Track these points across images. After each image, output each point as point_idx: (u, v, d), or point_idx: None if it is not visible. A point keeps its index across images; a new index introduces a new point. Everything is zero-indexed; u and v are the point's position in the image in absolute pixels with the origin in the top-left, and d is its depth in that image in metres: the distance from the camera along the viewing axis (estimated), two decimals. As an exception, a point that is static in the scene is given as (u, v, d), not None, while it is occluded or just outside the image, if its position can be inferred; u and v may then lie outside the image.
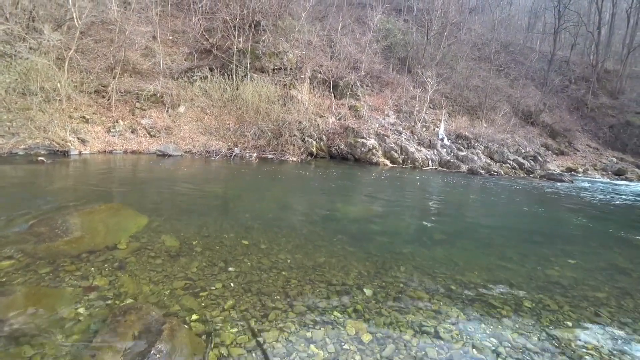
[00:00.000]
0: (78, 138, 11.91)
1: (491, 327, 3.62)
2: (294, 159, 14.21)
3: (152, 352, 2.67)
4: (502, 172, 15.83)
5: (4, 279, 3.68)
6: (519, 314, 3.92)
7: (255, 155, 13.89)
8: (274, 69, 17.30)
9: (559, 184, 14.76)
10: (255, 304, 3.67)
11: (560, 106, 27.60)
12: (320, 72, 18.26)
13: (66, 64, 13.13)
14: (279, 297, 3.84)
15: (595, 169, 21.14)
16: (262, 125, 14.67)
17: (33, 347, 2.80)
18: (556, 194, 12.19)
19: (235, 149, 14.00)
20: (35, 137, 11.05)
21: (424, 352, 3.15)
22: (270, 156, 14.22)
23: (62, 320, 3.14)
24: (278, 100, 15.64)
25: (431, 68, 21.43)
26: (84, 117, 12.73)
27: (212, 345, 3.03)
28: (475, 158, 16.62)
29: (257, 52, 17.08)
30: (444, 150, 16.96)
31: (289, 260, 4.77)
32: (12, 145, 10.65)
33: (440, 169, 15.83)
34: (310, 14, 20.12)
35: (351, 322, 3.48)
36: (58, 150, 11.15)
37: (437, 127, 18.56)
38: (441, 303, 4.00)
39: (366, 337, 3.27)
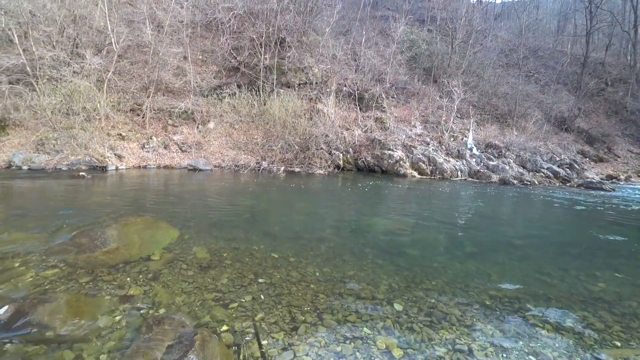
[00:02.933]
0: (115, 154, 12.51)
1: (529, 345, 3.39)
2: (321, 172, 14.24)
3: None
4: (536, 182, 15.11)
5: (47, 287, 3.84)
6: (560, 332, 3.65)
7: (282, 168, 14.05)
8: (299, 84, 17.60)
9: (599, 192, 13.90)
10: (284, 316, 3.64)
11: (596, 110, 26.34)
12: (345, 85, 18.41)
13: (105, 85, 13.94)
14: (308, 310, 3.79)
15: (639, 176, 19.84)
16: (289, 139, 14.87)
17: (73, 352, 2.90)
18: (596, 204, 11.46)
19: (263, 162, 14.23)
20: (77, 153, 11.72)
21: (457, 370, 3.02)
22: (297, 169, 14.33)
23: (100, 327, 3.23)
24: (304, 114, 15.84)
25: (457, 77, 21.13)
26: (120, 135, 13.40)
27: (242, 356, 3.02)
28: (507, 167, 16.01)
29: (283, 67, 17.47)
30: (474, 160, 16.47)
31: (317, 274, 4.72)
32: (57, 162, 11.34)
33: (470, 179, 15.35)
34: (334, 28, 20.45)
35: (381, 337, 3.38)
36: (97, 166, 11.75)
37: (466, 136, 18.13)
38: (475, 319, 3.80)
39: (397, 353, 3.16)
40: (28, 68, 12.96)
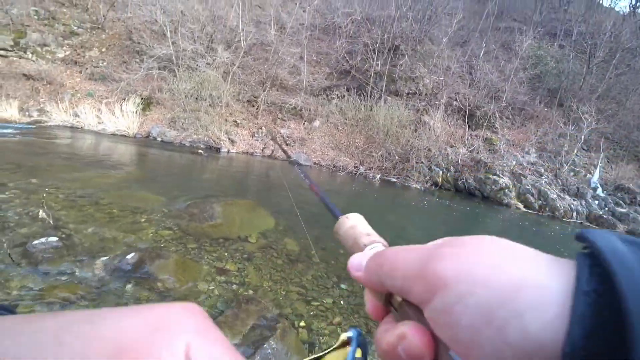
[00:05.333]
0: (229, 138, 13.83)
1: None
2: (417, 187, 13.63)
3: (265, 345, 2.82)
4: None
5: (163, 245, 4.33)
6: None
7: (379, 176, 13.85)
8: (408, 93, 17.15)
9: None
10: (360, 326, 3.52)
11: None
12: (456, 100, 17.31)
13: (229, 77, 15.50)
14: None
15: None
16: (390, 148, 14.58)
17: None
18: None
19: (361, 167, 14.21)
20: (199, 133, 13.27)
21: None
22: (393, 179, 13.96)
23: (198, 291, 3.55)
24: (409, 125, 15.36)
25: (590, 102, 18.08)
26: (235, 122, 14.76)
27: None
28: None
29: (394, 75, 17.22)
30: (596, 202, 13.84)
31: None
32: (183, 138, 13.01)
33: (588, 224, 12.94)
34: (451, 38, 19.42)
35: None
36: (213, 146, 13.13)
37: (591, 173, 15.37)
38: None
39: None
40: (174, 57, 15.14)
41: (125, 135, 12.66)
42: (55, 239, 3.78)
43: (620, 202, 14.07)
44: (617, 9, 32.30)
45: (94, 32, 16.66)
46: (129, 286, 3.33)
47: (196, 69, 15.24)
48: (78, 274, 3.34)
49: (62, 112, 12.83)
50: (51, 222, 4.15)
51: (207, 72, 15.01)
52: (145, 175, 7.80)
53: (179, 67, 15.07)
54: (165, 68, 15.35)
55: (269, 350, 2.81)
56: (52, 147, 9.22)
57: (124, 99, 13.61)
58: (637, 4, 28.94)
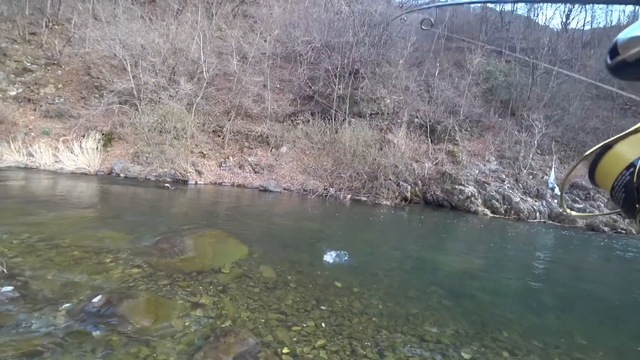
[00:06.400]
0: (196, 170, 13.58)
1: None
2: (388, 203, 13.90)
3: None
4: (633, 231, 12.82)
5: (132, 284, 4.14)
6: None
7: (349, 196, 14.01)
8: (371, 114, 17.71)
9: None
10: (345, 347, 3.54)
11: None
12: (417, 117, 18.08)
13: (193, 108, 15.42)
14: (369, 344, 3.64)
15: None
16: (358, 168, 14.85)
17: (148, 348, 3.07)
18: None
19: (331, 189, 14.33)
20: (164, 167, 12.95)
21: None
22: (364, 198, 14.16)
23: (173, 329, 3.39)
24: (374, 144, 15.78)
25: (538, 110, 19.51)
26: (202, 153, 14.57)
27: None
28: (596, 212, 14.02)
29: (356, 97, 17.79)
30: (555, 201, 14.75)
31: (380, 307, 4.53)
32: (147, 172, 12.64)
33: (550, 222, 13.70)
34: (407, 60, 20.43)
35: None
36: (179, 179, 12.83)
37: (547, 174, 16.41)
38: None
39: None
40: (135, 91, 14.89)
41: (86, 173, 12.12)
42: (10, 288, 3.52)
43: (577, 198, 15.02)
44: (551, 26, 35.57)
45: (49, 69, 16.12)
46: (96, 332, 3.13)
47: (159, 101, 15.04)
48: (38, 325, 3.11)
49: (14, 152, 12.12)
50: (5, 270, 3.86)
51: (170, 104, 14.85)
52: (108, 213, 7.48)
53: (141, 100, 14.82)
54: (127, 102, 15.04)
55: (253, 383, 2.72)
56: (3, 189, 8.67)
57: (84, 136, 13.11)
58: (567, 22, 32.42)
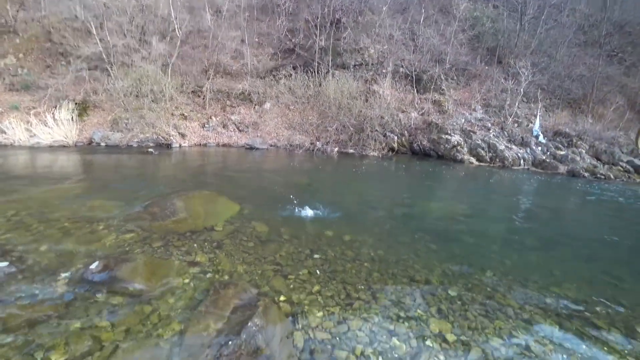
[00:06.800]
0: (179, 132, 13.27)
1: (594, 348, 3.13)
2: (375, 154, 13.98)
3: (249, 324, 2.84)
4: (612, 176, 13.23)
5: (127, 248, 4.17)
6: (630, 339, 3.30)
7: (336, 149, 14.03)
8: (355, 65, 17.23)
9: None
10: (339, 292, 3.69)
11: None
12: (402, 66, 17.66)
13: (169, 69, 14.71)
14: (362, 288, 3.82)
15: None
16: (344, 121, 14.72)
17: (151, 306, 3.15)
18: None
19: (318, 143, 14.27)
20: (145, 132, 12.60)
21: (511, 363, 2.86)
22: (351, 151, 14.20)
23: (173, 287, 3.47)
24: (360, 96, 15.52)
25: (525, 57, 19.22)
26: (183, 115, 14.15)
27: (300, 325, 3.11)
28: (577, 158, 14.32)
29: (339, 49, 17.17)
30: (539, 148, 15.03)
31: (371, 253, 4.69)
32: (129, 139, 12.30)
33: (534, 169, 14.05)
34: (391, 7, 19.56)
35: (435, 321, 3.34)
36: (163, 143, 12.57)
37: (532, 122, 16.57)
38: (534, 313, 3.58)
39: (450, 338, 3.12)
40: (104, 55, 14.03)
41: (65, 146, 11.71)
42: (5, 263, 3.49)
43: (560, 145, 15.33)
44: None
45: (5, 37, 14.93)
46: (99, 295, 3.18)
47: (132, 64, 14.27)
48: (40, 295, 3.12)
49: (-17, 130, 11.53)
50: (-4, 247, 3.82)
51: (144, 67, 14.11)
52: (94, 183, 7.33)
53: (112, 64, 14.02)
54: (97, 67, 14.23)
55: (254, 328, 2.84)
56: (-20, 168, 8.35)
57: (55, 107, 12.47)
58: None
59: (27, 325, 2.77)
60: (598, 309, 3.77)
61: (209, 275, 3.76)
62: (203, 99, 15.13)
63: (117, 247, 4.17)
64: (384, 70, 17.13)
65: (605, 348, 3.14)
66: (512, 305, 3.71)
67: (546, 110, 18.21)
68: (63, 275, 3.44)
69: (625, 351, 3.11)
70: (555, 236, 6.11)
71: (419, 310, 3.47)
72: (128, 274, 3.53)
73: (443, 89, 17.39)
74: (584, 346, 3.14)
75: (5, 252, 3.78)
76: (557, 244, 5.70)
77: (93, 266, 3.53)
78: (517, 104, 16.97)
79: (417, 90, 17.15)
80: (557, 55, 21.66)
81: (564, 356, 3.00)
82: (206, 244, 4.52)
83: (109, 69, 13.87)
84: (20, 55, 14.67)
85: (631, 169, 13.85)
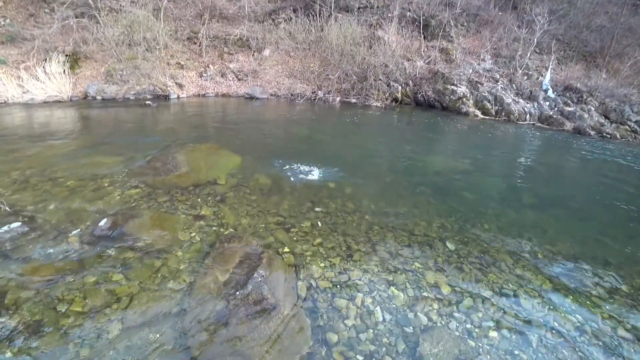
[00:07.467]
0: (176, 83, 12.87)
1: (578, 303, 3.30)
2: (378, 105, 13.65)
3: (254, 275, 3.01)
4: (618, 135, 12.77)
5: (133, 204, 4.26)
6: (613, 296, 3.46)
7: (338, 99, 13.68)
8: (359, 8, 16.18)
9: None
10: (340, 243, 3.83)
11: None
12: (409, 10, 16.56)
13: (161, 14, 13.87)
14: (362, 240, 3.95)
15: None
16: (346, 69, 14.16)
17: (160, 260, 3.30)
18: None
19: (319, 92, 13.89)
20: (141, 83, 12.21)
21: (502, 313, 3.05)
22: (353, 100, 13.85)
23: (180, 241, 3.61)
24: (363, 42, 14.74)
25: (543, 3, 17.82)
26: (179, 63, 13.62)
27: (302, 276, 3.29)
28: (585, 115, 13.77)
29: (341, -11, 16.02)
30: (547, 103, 14.45)
31: (372, 206, 4.78)
32: (125, 91, 11.96)
33: (539, 124, 13.65)
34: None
35: (432, 273, 3.50)
36: (160, 95, 12.24)
37: (542, 75, 15.79)
38: (525, 269, 3.74)
39: (445, 289, 3.29)
40: (90, 1, 13.13)
41: (60, 101, 11.41)
42: (18, 223, 3.59)
43: (568, 101, 14.74)
44: None
45: (-19, -17, 13.91)
46: (110, 251, 3.31)
47: (120, 10, 13.43)
48: (54, 253, 3.26)
49: (-28, 88, 11.15)
50: (7, 208, 3.89)
51: (134, 12, 13.28)
52: (94, 139, 7.27)
53: (100, 10, 13.17)
54: (84, 15, 13.39)
55: (259, 279, 2.99)
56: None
57: (45, 60, 11.95)
58: None
59: (46, 281, 2.91)
60: (587, 267, 3.91)
61: (214, 228, 3.88)
62: (199, 46, 14.45)
63: (124, 203, 4.25)
64: (389, 14, 16.09)
65: (589, 303, 3.30)
66: (505, 260, 3.86)
67: (559, 63, 17.27)
68: (74, 232, 3.55)
69: (609, 308, 3.27)
70: (553, 195, 6.16)
71: (416, 263, 3.63)
72: (136, 229, 3.65)
73: (452, 36, 16.45)
74: (569, 300, 3.31)
75: (16, 212, 3.88)
76: (554, 202, 5.76)
77: (102, 223, 3.62)
78: (528, 55, 16.09)
79: (424, 37, 16.25)
80: (578, 2, 19.98)
81: (550, 308, 3.18)
82: (210, 197, 4.60)
83: (97, 15, 13.06)
84: (0, 3, 13.77)
85: (638, 129, 13.40)
